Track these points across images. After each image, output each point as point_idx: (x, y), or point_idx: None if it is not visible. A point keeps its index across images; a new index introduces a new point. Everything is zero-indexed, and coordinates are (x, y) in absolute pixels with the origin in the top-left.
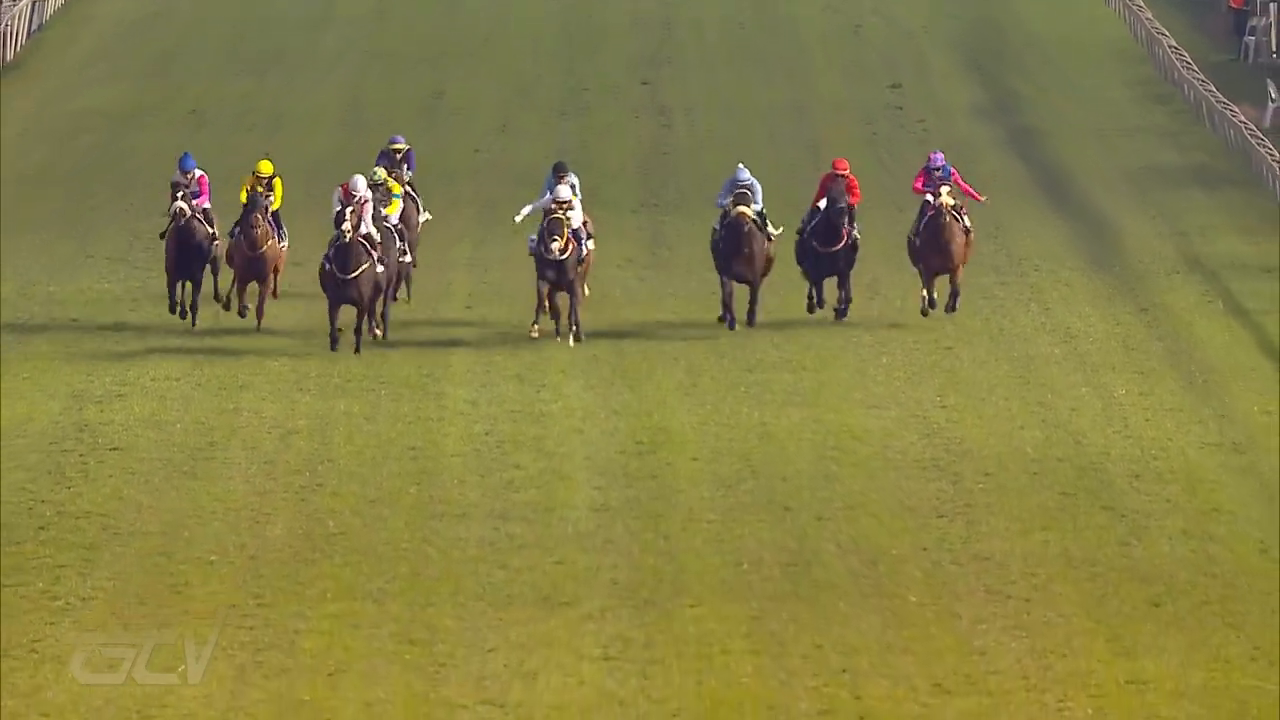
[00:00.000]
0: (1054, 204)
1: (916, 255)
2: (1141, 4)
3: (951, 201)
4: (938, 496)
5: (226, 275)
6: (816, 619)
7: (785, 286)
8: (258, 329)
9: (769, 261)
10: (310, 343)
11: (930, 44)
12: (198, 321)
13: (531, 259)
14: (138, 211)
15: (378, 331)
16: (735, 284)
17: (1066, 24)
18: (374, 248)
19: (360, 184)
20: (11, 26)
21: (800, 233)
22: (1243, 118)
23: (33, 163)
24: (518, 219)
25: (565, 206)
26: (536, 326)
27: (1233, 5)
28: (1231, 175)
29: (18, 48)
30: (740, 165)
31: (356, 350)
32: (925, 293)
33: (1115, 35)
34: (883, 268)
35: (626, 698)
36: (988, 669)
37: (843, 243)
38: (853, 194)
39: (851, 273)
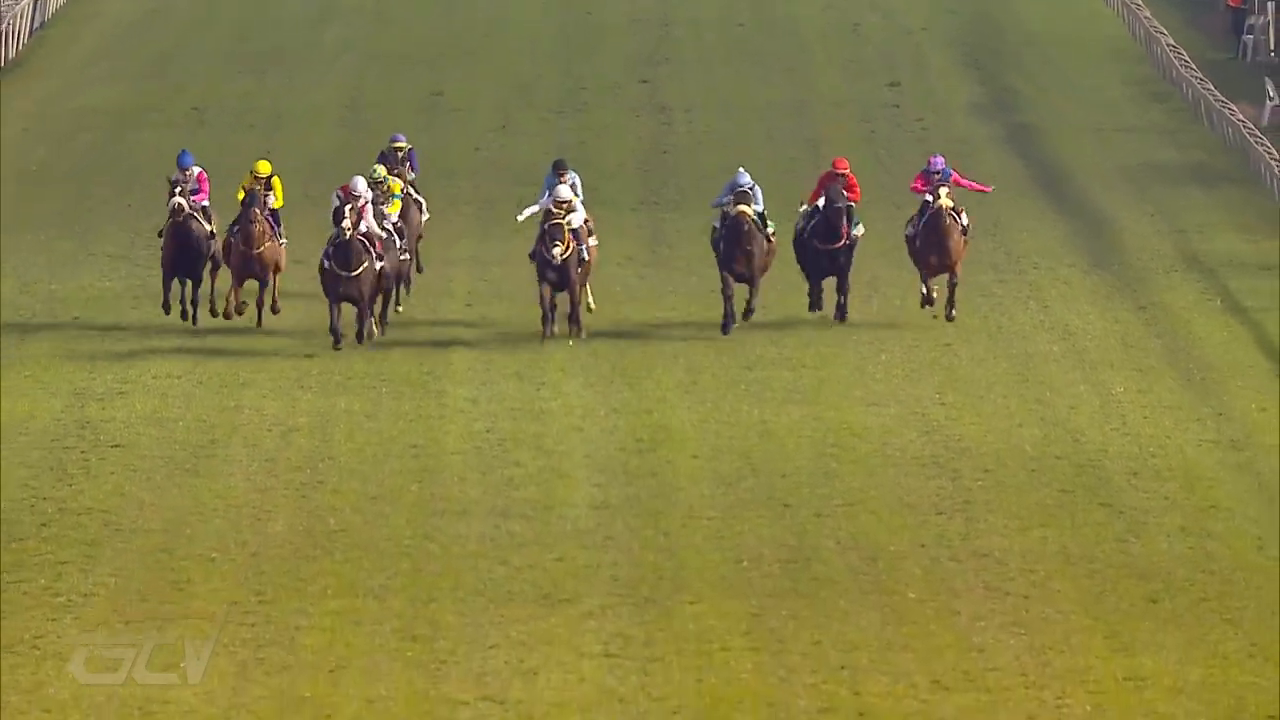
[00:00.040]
0: (1052, 202)
1: (915, 254)
2: (1139, 2)
3: (950, 204)
4: (937, 493)
5: (224, 277)
6: (816, 616)
7: (784, 285)
8: (258, 326)
9: (769, 260)
10: (311, 341)
11: (929, 42)
12: (199, 318)
13: (532, 262)
14: (139, 210)
15: (375, 329)
16: (736, 282)
17: (1065, 22)
18: (374, 246)
19: (360, 185)
20: (13, 25)
21: (799, 233)
22: (1241, 116)
23: (34, 161)
24: (520, 218)
25: (566, 207)
26: (548, 334)
27: (1230, 4)
28: (1229, 173)
29: (19, 46)
30: (740, 169)
31: (359, 340)
32: (924, 289)
33: (1113, 33)
34: (882, 266)
35: (627, 694)
36: (986, 665)
37: (842, 241)
38: (852, 192)
39: (850, 272)
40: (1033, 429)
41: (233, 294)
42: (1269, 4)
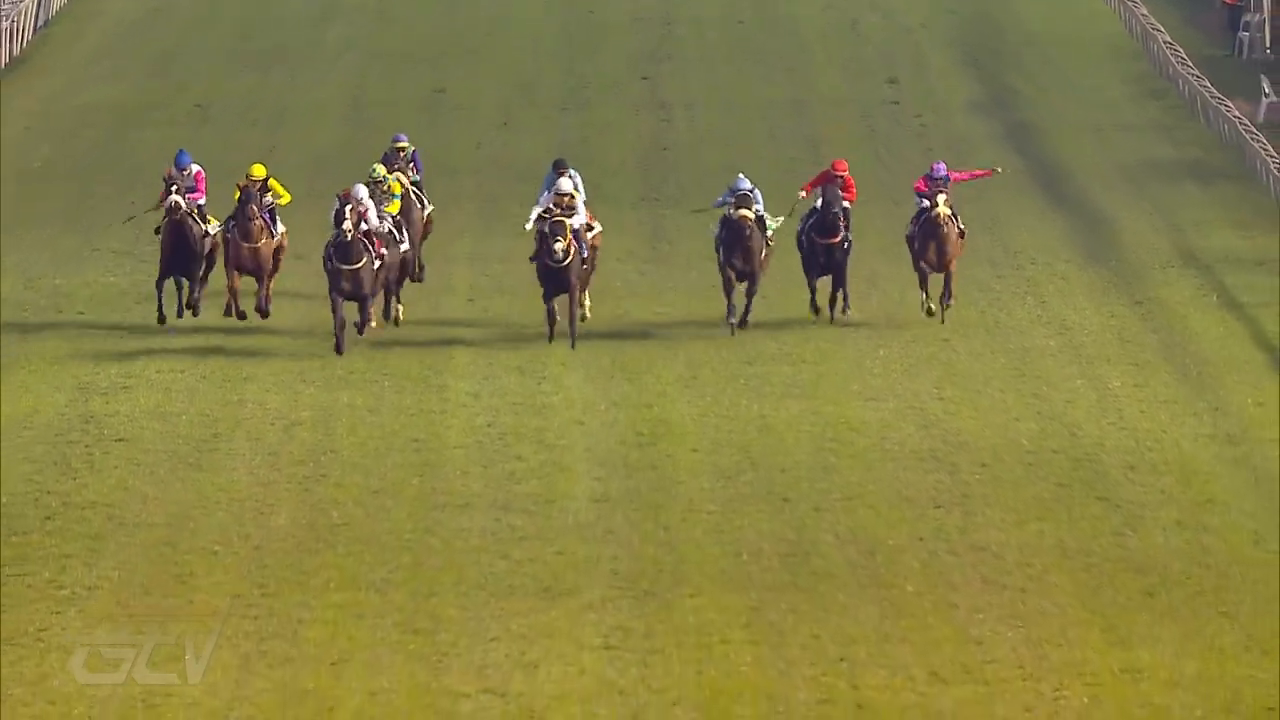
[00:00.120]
0: (1050, 198)
1: (915, 254)
2: (1136, 0)
3: (947, 212)
4: (935, 487)
5: (221, 277)
6: (815, 609)
7: (784, 281)
8: (265, 316)
9: (768, 260)
10: (313, 336)
11: (928, 40)
12: (200, 310)
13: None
14: (143, 206)
15: (373, 324)
16: (737, 280)
17: (1062, 20)
18: (374, 245)
19: (361, 192)
20: (16, 23)
21: (800, 230)
22: (1237, 113)
23: (37, 158)
24: (528, 227)
25: (568, 201)
26: (551, 336)
27: (1226, 1)
28: (1226, 170)
29: (23, 44)
30: (740, 175)
31: (359, 331)
32: (924, 295)
33: (1111, 31)
34: (881, 262)
35: (627, 687)
36: (984, 658)
37: (840, 236)
38: (848, 192)
39: (848, 270)
40: (1030, 423)
41: (231, 292)
42: (1264, 1)
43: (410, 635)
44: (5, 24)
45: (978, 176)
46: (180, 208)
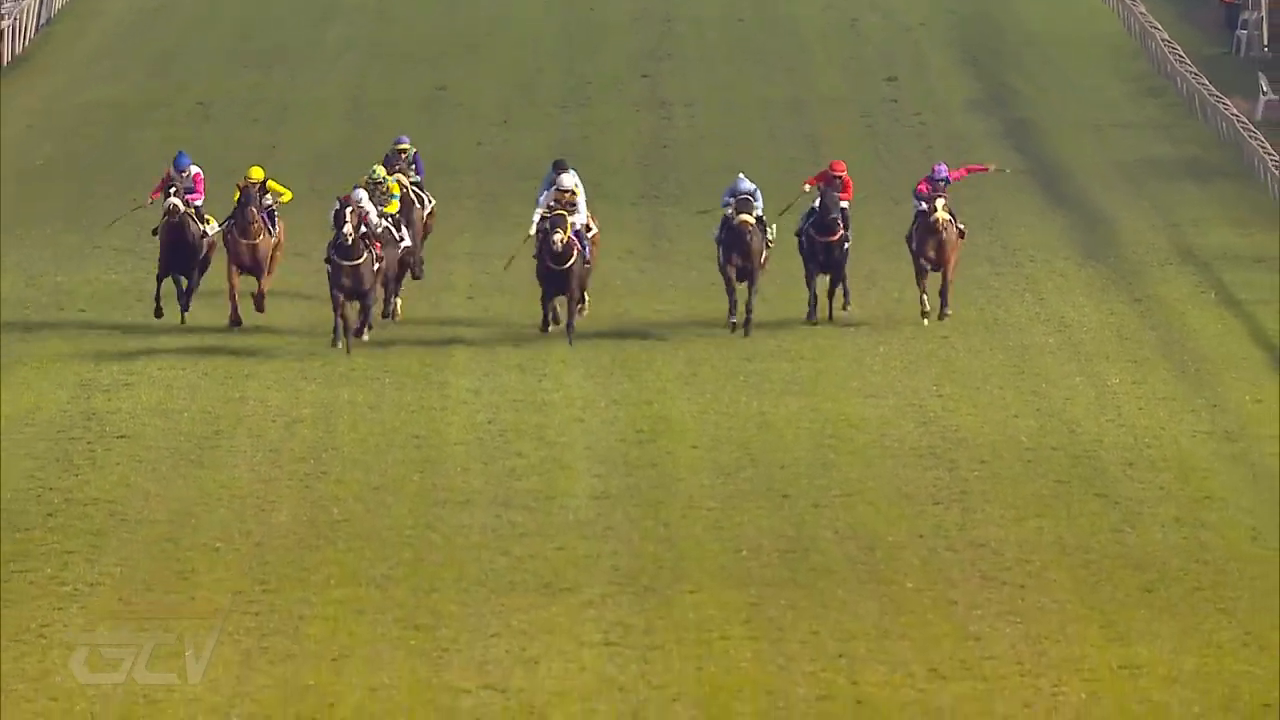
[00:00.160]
0: (1049, 196)
1: (914, 254)
2: None
3: (946, 216)
4: (934, 484)
5: (218, 278)
6: (814, 605)
7: (783, 280)
8: (260, 311)
9: (767, 261)
10: (315, 333)
11: (927, 39)
12: (189, 307)
13: (534, 262)
14: (133, 206)
15: (373, 323)
16: (737, 280)
17: (1061, 19)
18: (374, 245)
19: (362, 197)
20: (18, 22)
21: (800, 229)
22: (1234, 111)
23: (39, 156)
24: (532, 231)
25: (569, 197)
26: (545, 332)
27: (1224, 0)
28: (1224, 168)
29: (25, 42)
30: (740, 175)
31: (360, 335)
32: (922, 295)
33: (1109, 30)
34: (880, 260)
35: (627, 683)
36: (983, 654)
37: (839, 234)
38: (845, 192)
39: (846, 267)
40: (1029, 420)
41: (231, 296)
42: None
43: (411, 631)
44: (7, 23)
45: (975, 171)
46: (179, 210)
